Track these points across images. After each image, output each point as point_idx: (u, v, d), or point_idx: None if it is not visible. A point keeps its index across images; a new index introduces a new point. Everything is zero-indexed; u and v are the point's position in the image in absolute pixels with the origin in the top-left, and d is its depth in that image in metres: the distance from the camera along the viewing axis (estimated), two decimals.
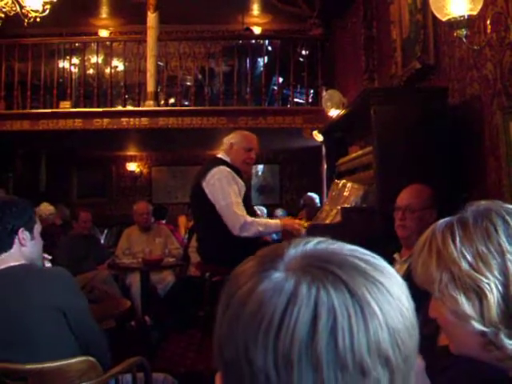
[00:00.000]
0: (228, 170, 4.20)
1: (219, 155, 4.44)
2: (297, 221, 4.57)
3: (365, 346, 0.62)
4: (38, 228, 2.59)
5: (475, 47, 3.17)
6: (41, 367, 2.27)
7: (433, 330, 1.67)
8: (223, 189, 4.09)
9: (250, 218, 4.09)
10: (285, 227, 4.26)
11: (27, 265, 2.46)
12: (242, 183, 4.24)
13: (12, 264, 2.41)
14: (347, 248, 0.71)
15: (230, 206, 4.05)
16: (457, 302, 1.21)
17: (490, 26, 2.99)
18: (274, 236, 6.55)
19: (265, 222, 4.28)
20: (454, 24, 2.85)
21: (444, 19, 2.88)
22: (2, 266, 2.41)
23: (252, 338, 0.63)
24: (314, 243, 0.72)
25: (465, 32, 2.85)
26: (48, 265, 3.33)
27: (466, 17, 2.80)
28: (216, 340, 0.69)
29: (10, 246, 2.43)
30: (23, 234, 2.47)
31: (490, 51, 3.12)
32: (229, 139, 4.43)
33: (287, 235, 4.65)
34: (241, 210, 4.07)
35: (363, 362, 0.61)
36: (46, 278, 2.42)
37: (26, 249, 2.48)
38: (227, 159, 4.33)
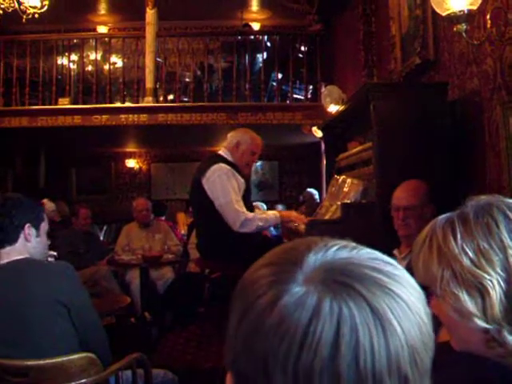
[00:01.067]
0: (228, 167, 4.19)
1: (220, 152, 4.40)
2: (294, 213, 4.60)
3: (385, 366, 0.61)
4: (44, 227, 2.62)
5: (475, 42, 3.16)
6: (41, 363, 2.28)
7: (433, 327, 1.66)
8: (223, 186, 4.08)
9: (250, 214, 4.10)
10: (283, 219, 4.30)
11: (30, 259, 2.48)
12: (242, 180, 4.24)
13: (15, 258, 2.42)
14: (368, 257, 0.70)
15: (230, 203, 4.04)
16: (459, 300, 1.20)
17: (489, 21, 2.98)
18: (273, 231, 6.57)
19: (264, 216, 4.28)
20: (453, 19, 2.84)
21: (444, 14, 2.87)
22: (6, 260, 2.43)
23: (272, 353, 0.62)
24: (334, 250, 0.70)
25: (465, 27, 2.85)
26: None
27: (466, 11, 2.79)
28: (230, 349, 0.67)
29: (15, 239, 2.46)
30: (29, 229, 2.50)
31: (490, 46, 3.11)
32: (235, 137, 4.38)
33: (286, 231, 4.67)
34: (241, 207, 4.07)
35: (383, 381, 0.61)
36: (49, 272, 2.43)
37: (30, 244, 2.51)
38: (228, 156, 4.30)
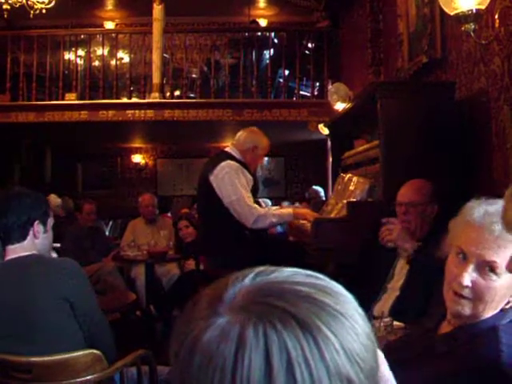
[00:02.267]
0: (237, 164, 4.19)
1: (228, 149, 4.38)
2: (309, 211, 4.55)
3: (324, 374, 0.60)
4: (50, 222, 2.61)
5: (483, 41, 3.15)
6: (46, 360, 2.28)
7: (435, 322, 1.74)
8: (233, 183, 4.07)
9: (263, 210, 4.12)
10: (297, 216, 4.28)
11: (37, 255, 2.47)
12: (250, 177, 4.24)
13: (22, 254, 2.42)
14: (286, 274, 0.69)
15: (241, 199, 4.04)
16: None
17: (498, 21, 2.97)
18: (279, 229, 6.56)
19: (278, 212, 4.28)
20: (461, 18, 2.83)
21: (452, 13, 2.87)
22: (13, 256, 2.42)
23: None
24: (251, 277, 0.69)
25: (473, 26, 2.84)
26: (54, 254, 3.34)
27: (474, 11, 2.79)
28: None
29: (23, 237, 2.44)
30: (38, 226, 2.49)
31: (498, 45, 3.10)
32: (251, 140, 4.34)
33: (292, 228, 4.66)
34: (253, 203, 4.07)
35: None
36: (54, 268, 2.42)
37: (38, 241, 2.50)
38: (236, 154, 4.27)
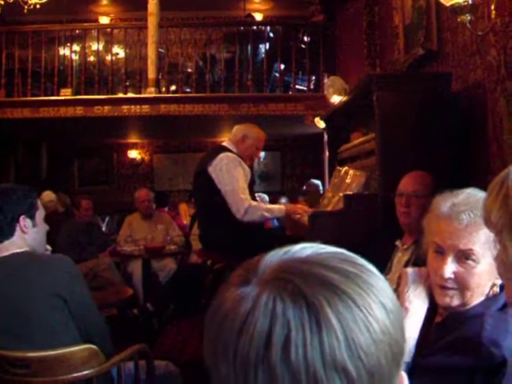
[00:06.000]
0: (235, 156, 4.24)
1: (224, 143, 4.48)
2: (299, 205, 4.65)
3: (319, 359, 0.62)
4: (40, 214, 2.58)
5: (479, 33, 3.14)
6: (43, 355, 2.28)
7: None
8: (230, 173, 4.13)
9: (254, 203, 4.16)
10: (288, 212, 4.35)
11: (29, 252, 2.46)
12: (248, 169, 4.31)
13: (14, 251, 2.41)
14: (323, 256, 0.71)
15: (235, 190, 4.09)
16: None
17: (494, 12, 2.96)
18: (276, 222, 6.57)
19: (269, 207, 4.40)
20: (457, 9, 2.82)
21: (448, 4, 2.86)
22: (5, 253, 2.40)
23: (219, 343, 0.67)
24: (293, 252, 0.72)
25: (469, 17, 2.83)
26: (49, 247, 3.31)
27: (470, 2, 2.78)
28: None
29: (11, 233, 2.43)
30: (24, 221, 2.46)
31: (494, 37, 3.09)
32: (242, 130, 4.44)
33: (290, 223, 4.68)
34: (246, 195, 4.11)
35: (317, 373, 0.61)
36: (47, 264, 2.41)
37: (28, 236, 2.48)
38: (233, 148, 4.36)
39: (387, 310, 0.68)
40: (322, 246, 0.73)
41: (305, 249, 0.72)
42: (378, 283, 0.70)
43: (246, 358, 0.63)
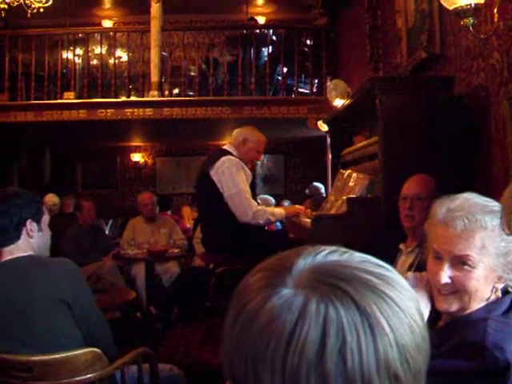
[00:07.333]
0: (236, 159, 4.25)
1: (225, 147, 4.48)
2: (297, 206, 4.69)
3: (373, 365, 0.61)
4: (45, 219, 2.58)
5: (482, 36, 3.13)
6: (46, 358, 2.27)
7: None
8: (233, 177, 4.14)
9: (260, 206, 4.19)
10: (288, 215, 4.45)
11: (33, 256, 2.46)
12: (249, 172, 4.32)
13: (19, 255, 2.41)
14: (357, 260, 0.70)
15: (241, 193, 4.09)
16: None
17: (497, 15, 2.96)
18: (278, 225, 6.58)
19: (272, 210, 4.43)
20: (460, 13, 2.82)
21: (451, 8, 2.85)
22: (9, 257, 2.40)
23: (260, 355, 0.63)
24: (323, 254, 0.71)
25: (472, 21, 2.83)
26: None
27: (473, 5, 2.77)
28: (225, 353, 0.69)
29: (17, 237, 2.43)
30: (31, 225, 2.46)
31: (497, 40, 3.09)
32: (242, 134, 4.45)
33: (293, 226, 4.68)
34: (251, 198, 4.12)
35: (372, 380, 0.61)
36: (50, 269, 2.41)
37: (33, 240, 2.48)
38: (234, 152, 4.37)
39: (422, 317, 0.69)
40: (344, 249, 0.73)
41: (334, 251, 0.71)
42: (408, 287, 0.71)
43: (297, 366, 0.61)
